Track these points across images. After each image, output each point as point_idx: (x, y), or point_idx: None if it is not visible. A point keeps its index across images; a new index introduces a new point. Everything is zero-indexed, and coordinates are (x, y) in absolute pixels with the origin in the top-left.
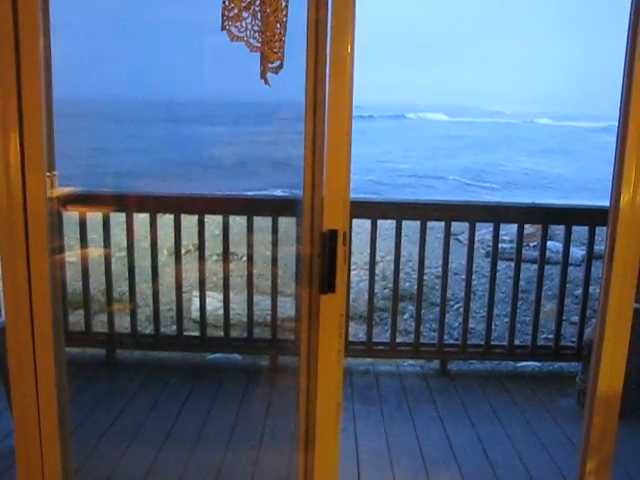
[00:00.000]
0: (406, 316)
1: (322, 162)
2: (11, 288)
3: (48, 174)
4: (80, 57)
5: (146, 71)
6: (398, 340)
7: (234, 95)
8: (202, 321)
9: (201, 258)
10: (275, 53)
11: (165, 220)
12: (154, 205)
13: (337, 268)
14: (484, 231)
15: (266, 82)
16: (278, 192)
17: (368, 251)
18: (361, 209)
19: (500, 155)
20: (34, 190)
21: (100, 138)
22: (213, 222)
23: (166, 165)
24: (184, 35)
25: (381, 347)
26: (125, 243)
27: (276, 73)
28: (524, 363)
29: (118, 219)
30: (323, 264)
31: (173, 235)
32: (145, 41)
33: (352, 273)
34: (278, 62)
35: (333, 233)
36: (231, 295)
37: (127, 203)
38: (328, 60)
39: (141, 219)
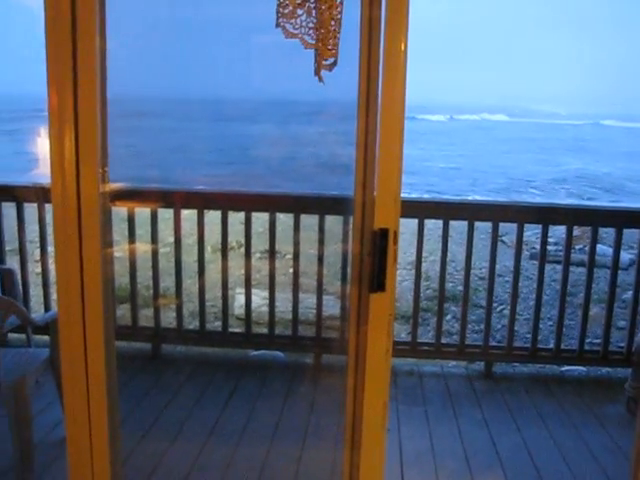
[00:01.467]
0: (448, 317)
1: (374, 160)
2: (64, 281)
3: (100, 170)
4: (132, 57)
5: (195, 70)
6: (442, 341)
7: (281, 94)
8: (247, 318)
9: (247, 255)
10: (329, 50)
11: (208, 217)
12: (201, 202)
13: (387, 267)
14: (528, 233)
15: (320, 79)
16: (324, 191)
17: (412, 251)
18: (408, 208)
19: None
20: (87, 185)
21: (150, 135)
22: (257, 220)
23: (213, 162)
24: (234, 34)
25: (426, 347)
26: (169, 239)
27: (330, 70)
28: (570, 367)
29: (163, 215)
30: (373, 263)
31: (216, 232)
32: (196, 40)
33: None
34: (332, 59)
35: (384, 232)
36: (275, 292)
37: (174, 199)
38: (381, 58)
39: (186, 215)
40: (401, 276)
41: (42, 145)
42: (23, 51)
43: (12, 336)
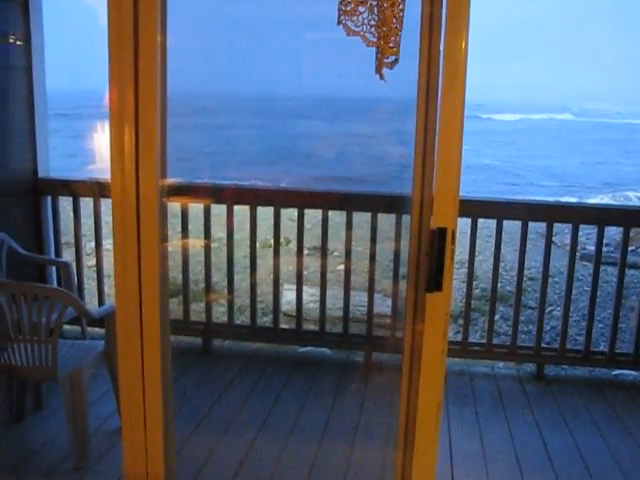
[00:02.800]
0: (496, 317)
1: (433, 159)
2: (122, 274)
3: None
4: (191, 53)
5: (251, 66)
6: (493, 341)
7: (333, 91)
8: (298, 312)
9: (299, 252)
10: (391, 48)
11: (258, 212)
12: (252, 198)
13: (445, 267)
14: (579, 233)
15: (381, 77)
16: (375, 188)
17: (459, 250)
18: (461, 207)
19: None
20: (146, 181)
21: (204, 131)
22: (305, 217)
23: (265, 159)
24: (291, 31)
25: (476, 348)
26: (219, 234)
27: (391, 68)
28: (623, 371)
29: (213, 210)
30: (431, 262)
31: (263, 228)
32: (254, 37)
33: None
34: (393, 57)
35: (442, 231)
36: (325, 289)
37: (226, 195)
38: (441, 56)
39: (235, 211)
40: None
41: (99, 141)
42: (80, 49)
43: (66, 328)
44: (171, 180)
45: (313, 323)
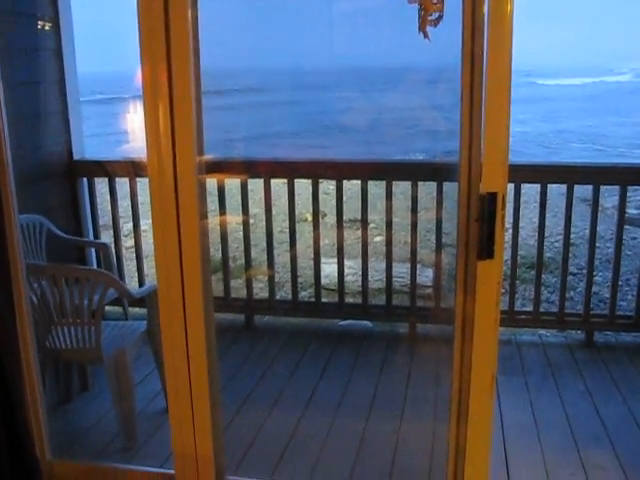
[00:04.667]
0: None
1: (479, 123)
2: (162, 253)
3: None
4: (222, 29)
5: (281, 39)
6: (540, 309)
7: (363, 61)
8: (339, 286)
9: (338, 224)
10: (435, 4)
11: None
12: (290, 171)
13: (496, 233)
14: (615, 197)
15: (425, 35)
16: (410, 156)
17: None
18: None
19: None
20: (184, 158)
21: (238, 106)
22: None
23: (298, 131)
24: (312, 2)
25: (523, 316)
26: (255, 210)
27: (435, 26)
28: None
29: (249, 186)
30: (481, 229)
31: (298, 202)
32: (282, 9)
33: None
34: (437, 14)
35: (492, 196)
36: (358, 261)
37: (262, 170)
38: (486, 18)
39: (273, 185)
40: None
41: (131, 121)
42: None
43: (108, 309)
44: (208, 156)
45: (352, 296)
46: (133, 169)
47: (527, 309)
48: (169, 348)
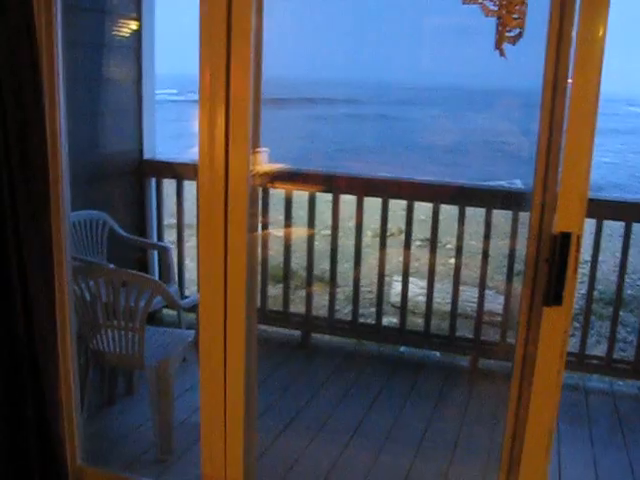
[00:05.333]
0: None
1: (558, 155)
2: (207, 265)
3: (252, 151)
4: (289, 38)
5: (357, 51)
6: (615, 355)
7: (447, 79)
8: (402, 311)
9: (407, 246)
10: (515, 19)
11: (368, 201)
12: (362, 188)
13: (566, 277)
14: None
15: (501, 53)
16: (491, 181)
17: None
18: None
19: None
20: (237, 167)
21: (313, 119)
22: (418, 207)
23: (374, 147)
24: (397, 16)
25: (595, 361)
26: (327, 223)
27: (514, 43)
28: None
29: (321, 198)
30: (550, 271)
31: (375, 217)
32: (357, 19)
33: None
34: (517, 30)
35: (566, 236)
36: (434, 283)
37: (334, 184)
38: (574, 41)
39: (345, 199)
40: None
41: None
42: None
43: (165, 312)
44: (277, 166)
45: (421, 316)
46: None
47: (599, 354)
48: (205, 361)
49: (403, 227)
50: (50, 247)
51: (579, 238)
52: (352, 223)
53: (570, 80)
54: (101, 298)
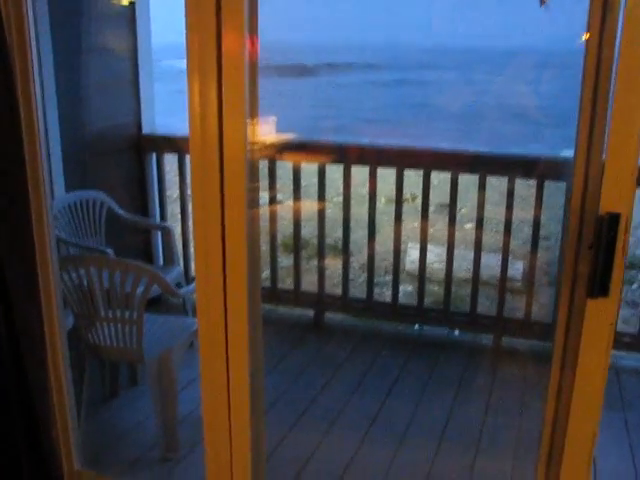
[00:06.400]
0: (634, 286)
1: (603, 125)
2: (202, 250)
3: (249, 121)
4: (302, 3)
5: (371, 15)
6: None
7: (460, 40)
8: (420, 285)
9: (423, 213)
10: None
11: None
12: (374, 158)
13: (614, 266)
14: None
15: (542, 1)
16: (510, 146)
17: None
18: None
19: None
20: (232, 139)
21: (325, 84)
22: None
23: (390, 114)
24: None
25: (627, 339)
26: (340, 189)
27: None
28: None
29: (330, 170)
30: (596, 259)
31: (390, 182)
32: None
33: None
34: None
35: (614, 218)
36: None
37: (345, 154)
38: None
39: (360, 170)
40: None
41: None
42: None
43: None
44: (284, 136)
45: (437, 284)
46: None
47: (631, 331)
48: (205, 351)
49: (417, 193)
50: (30, 233)
51: (628, 220)
52: (365, 189)
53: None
54: (94, 288)
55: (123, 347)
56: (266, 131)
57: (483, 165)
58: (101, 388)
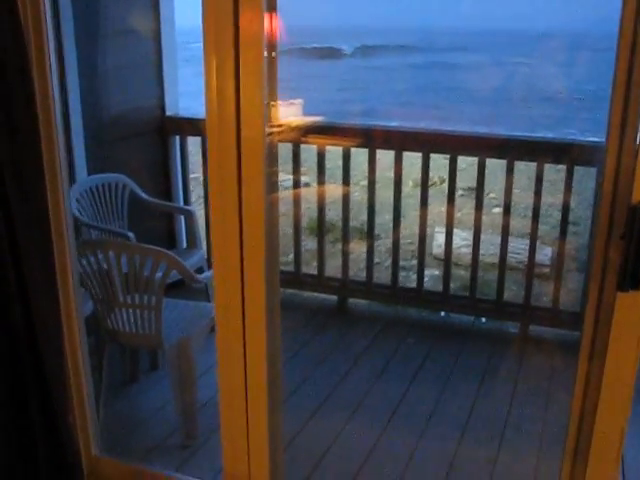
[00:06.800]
0: None
1: (637, 108)
2: (220, 234)
3: (268, 104)
4: None
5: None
6: None
7: (493, 23)
8: (446, 270)
9: (450, 198)
10: None
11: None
12: (400, 141)
13: None
14: None
15: None
16: (539, 129)
17: None
18: None
19: None
20: (250, 122)
21: (353, 67)
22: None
23: (420, 97)
24: None
25: None
26: (366, 173)
27: None
28: None
29: (356, 154)
30: (627, 250)
31: (418, 167)
32: None
33: None
34: None
35: None
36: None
37: (371, 137)
38: None
39: (387, 153)
40: None
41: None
42: None
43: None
44: (310, 119)
45: (463, 268)
46: None
47: None
48: (222, 338)
49: (444, 176)
50: (46, 217)
51: None
52: (391, 173)
53: None
54: (113, 273)
55: (142, 333)
56: (292, 113)
57: (511, 149)
58: (121, 373)
